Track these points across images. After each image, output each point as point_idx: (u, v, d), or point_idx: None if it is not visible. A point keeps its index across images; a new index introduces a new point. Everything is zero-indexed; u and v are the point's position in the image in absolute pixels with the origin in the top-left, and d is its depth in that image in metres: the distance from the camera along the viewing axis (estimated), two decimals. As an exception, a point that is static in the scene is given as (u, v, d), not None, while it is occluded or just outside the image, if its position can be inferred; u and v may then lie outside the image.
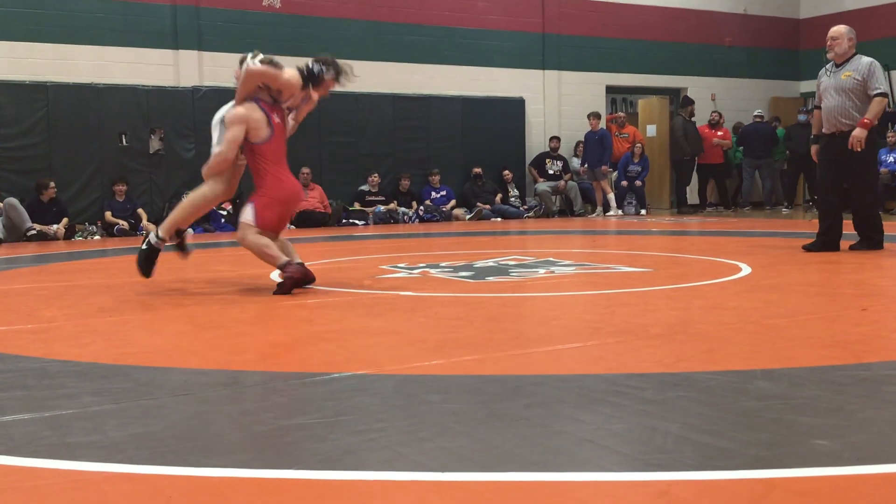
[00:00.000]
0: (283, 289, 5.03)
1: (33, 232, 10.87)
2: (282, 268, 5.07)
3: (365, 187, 13.87)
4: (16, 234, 10.86)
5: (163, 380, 2.95)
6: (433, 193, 14.30)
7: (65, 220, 11.30)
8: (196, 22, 12.92)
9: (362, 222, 13.33)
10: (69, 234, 11.28)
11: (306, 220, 12.72)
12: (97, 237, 11.57)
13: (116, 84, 12.28)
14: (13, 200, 10.91)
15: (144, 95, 12.40)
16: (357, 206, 13.69)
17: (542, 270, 6.12)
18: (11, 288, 5.91)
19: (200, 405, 2.57)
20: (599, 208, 14.92)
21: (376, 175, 13.88)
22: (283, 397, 2.64)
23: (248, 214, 5.19)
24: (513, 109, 15.18)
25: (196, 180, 12.64)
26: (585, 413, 2.39)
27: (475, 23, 15.05)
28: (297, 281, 5.07)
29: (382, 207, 13.66)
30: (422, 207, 13.96)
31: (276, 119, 5.25)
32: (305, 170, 12.75)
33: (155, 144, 12.45)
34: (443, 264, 6.71)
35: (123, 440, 2.20)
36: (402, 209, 13.84)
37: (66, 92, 11.91)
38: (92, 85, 12.11)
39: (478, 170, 14.52)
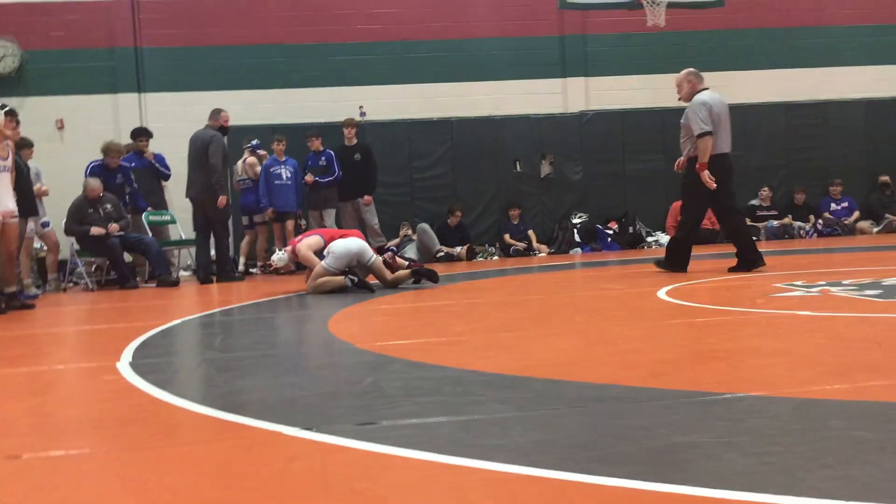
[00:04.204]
0: None
1: (441, 254, 12.01)
2: None
3: (755, 201, 13.31)
4: (427, 256, 12.07)
5: (560, 391, 3.14)
6: (833, 205, 13.29)
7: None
8: (582, 49, 13.42)
9: (754, 238, 12.77)
10: (470, 255, 12.29)
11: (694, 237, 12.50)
12: (495, 258, 12.47)
13: (511, 115, 13.17)
14: (425, 226, 12.18)
15: (536, 123, 13.17)
16: (748, 221, 13.15)
17: (967, 289, 5.42)
18: (428, 305, 6.61)
19: (596, 417, 2.70)
20: None
21: (767, 188, 13.26)
22: (676, 414, 2.67)
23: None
24: (927, 109, 13.62)
25: (585, 201, 13.17)
26: None
27: (875, 18, 13.79)
28: None
29: (775, 222, 13.00)
30: (820, 221, 13.04)
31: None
32: (692, 186, 12.55)
33: (545, 169, 13.14)
34: (846, 282, 6.24)
35: (528, 445, 2.39)
36: (798, 223, 13.05)
37: (468, 125, 13.05)
38: (490, 117, 13.13)
39: (885, 178, 13.27)
